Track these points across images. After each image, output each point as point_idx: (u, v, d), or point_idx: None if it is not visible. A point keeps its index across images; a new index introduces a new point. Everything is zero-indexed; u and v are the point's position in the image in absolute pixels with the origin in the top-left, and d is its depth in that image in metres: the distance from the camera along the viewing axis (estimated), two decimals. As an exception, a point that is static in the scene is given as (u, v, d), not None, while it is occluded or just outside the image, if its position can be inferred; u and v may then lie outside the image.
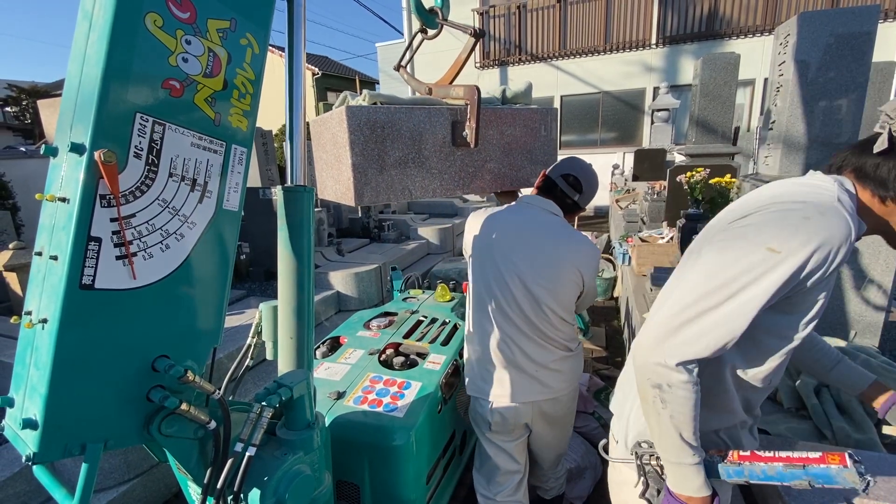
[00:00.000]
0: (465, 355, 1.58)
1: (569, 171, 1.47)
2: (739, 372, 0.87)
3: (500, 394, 1.45)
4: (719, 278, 0.74)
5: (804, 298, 0.77)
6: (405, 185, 1.24)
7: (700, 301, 0.75)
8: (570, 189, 1.46)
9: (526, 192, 1.61)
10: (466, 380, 1.56)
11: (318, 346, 1.87)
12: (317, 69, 16.21)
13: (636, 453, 0.91)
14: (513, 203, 1.54)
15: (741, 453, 0.84)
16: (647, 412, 0.83)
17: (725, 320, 0.73)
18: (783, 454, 0.81)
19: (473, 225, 1.53)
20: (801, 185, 0.81)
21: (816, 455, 0.79)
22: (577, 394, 1.59)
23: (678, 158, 6.92)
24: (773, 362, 0.85)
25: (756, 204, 0.81)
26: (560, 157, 1.55)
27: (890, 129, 0.76)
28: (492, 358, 1.45)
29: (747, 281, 0.72)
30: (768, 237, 0.72)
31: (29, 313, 0.73)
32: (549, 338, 1.43)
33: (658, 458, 0.87)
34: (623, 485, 1.02)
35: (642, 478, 0.90)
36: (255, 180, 7.23)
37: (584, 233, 1.58)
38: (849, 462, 0.76)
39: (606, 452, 1.07)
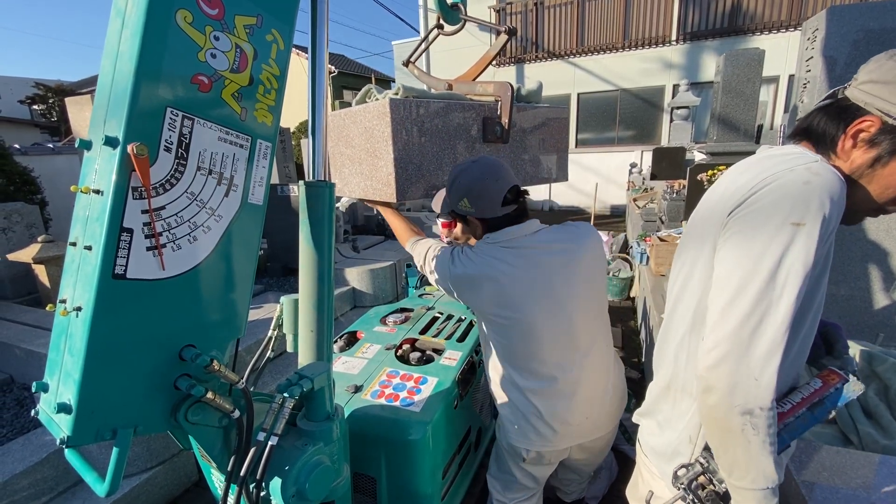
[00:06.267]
0: (503, 409, 1.40)
1: (513, 181, 1.20)
2: None
3: (544, 443, 1.35)
4: (762, 273, 0.70)
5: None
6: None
7: (760, 301, 0.70)
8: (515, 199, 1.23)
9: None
10: (507, 427, 1.39)
11: (336, 341, 1.89)
12: (333, 67, 16.31)
13: (683, 485, 0.82)
14: (517, 237, 1.24)
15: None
16: (729, 445, 0.73)
17: (787, 311, 0.69)
18: (795, 400, 0.81)
19: (493, 275, 1.22)
20: (773, 157, 0.78)
21: (819, 384, 0.82)
22: (619, 422, 1.49)
23: (698, 157, 6.80)
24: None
25: (744, 189, 0.76)
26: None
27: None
28: (542, 413, 1.31)
29: (790, 261, 0.69)
30: (785, 214, 0.70)
31: (64, 301, 0.76)
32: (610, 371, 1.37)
33: (717, 481, 0.79)
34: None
35: None
36: (273, 177, 7.32)
37: (600, 233, 1.41)
38: (843, 375, 0.82)
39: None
